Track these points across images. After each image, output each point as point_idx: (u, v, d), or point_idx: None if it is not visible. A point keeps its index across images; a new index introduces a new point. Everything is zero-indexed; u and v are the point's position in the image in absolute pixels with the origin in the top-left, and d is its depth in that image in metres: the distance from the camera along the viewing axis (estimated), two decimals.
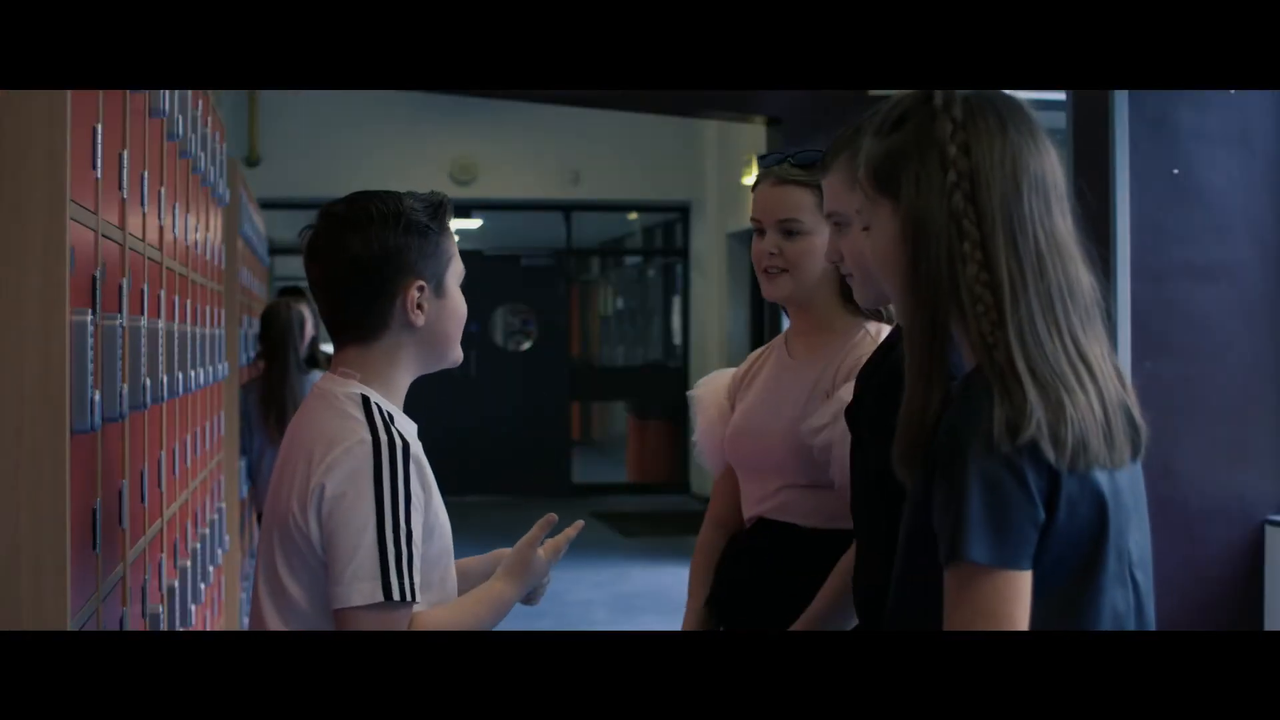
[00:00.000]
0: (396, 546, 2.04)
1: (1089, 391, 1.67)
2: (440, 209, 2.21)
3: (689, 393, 2.97)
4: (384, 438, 2.07)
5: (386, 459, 2.06)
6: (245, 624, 5.70)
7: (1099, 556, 1.72)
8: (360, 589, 2.03)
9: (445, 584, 2.20)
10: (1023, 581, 1.67)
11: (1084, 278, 1.74)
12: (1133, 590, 1.80)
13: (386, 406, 2.15)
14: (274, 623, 2.10)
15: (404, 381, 2.22)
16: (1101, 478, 1.68)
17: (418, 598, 2.06)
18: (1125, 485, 1.73)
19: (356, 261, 2.15)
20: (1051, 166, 1.76)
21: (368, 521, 2.03)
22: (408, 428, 2.17)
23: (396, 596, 2.03)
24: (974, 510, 1.63)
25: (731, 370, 2.94)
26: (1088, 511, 1.68)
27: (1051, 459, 1.63)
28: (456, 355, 2.25)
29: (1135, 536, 1.78)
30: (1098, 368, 1.70)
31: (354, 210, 2.17)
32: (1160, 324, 5.14)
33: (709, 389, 2.92)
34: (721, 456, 2.84)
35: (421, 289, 2.16)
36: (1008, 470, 1.63)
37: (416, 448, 2.14)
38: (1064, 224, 1.74)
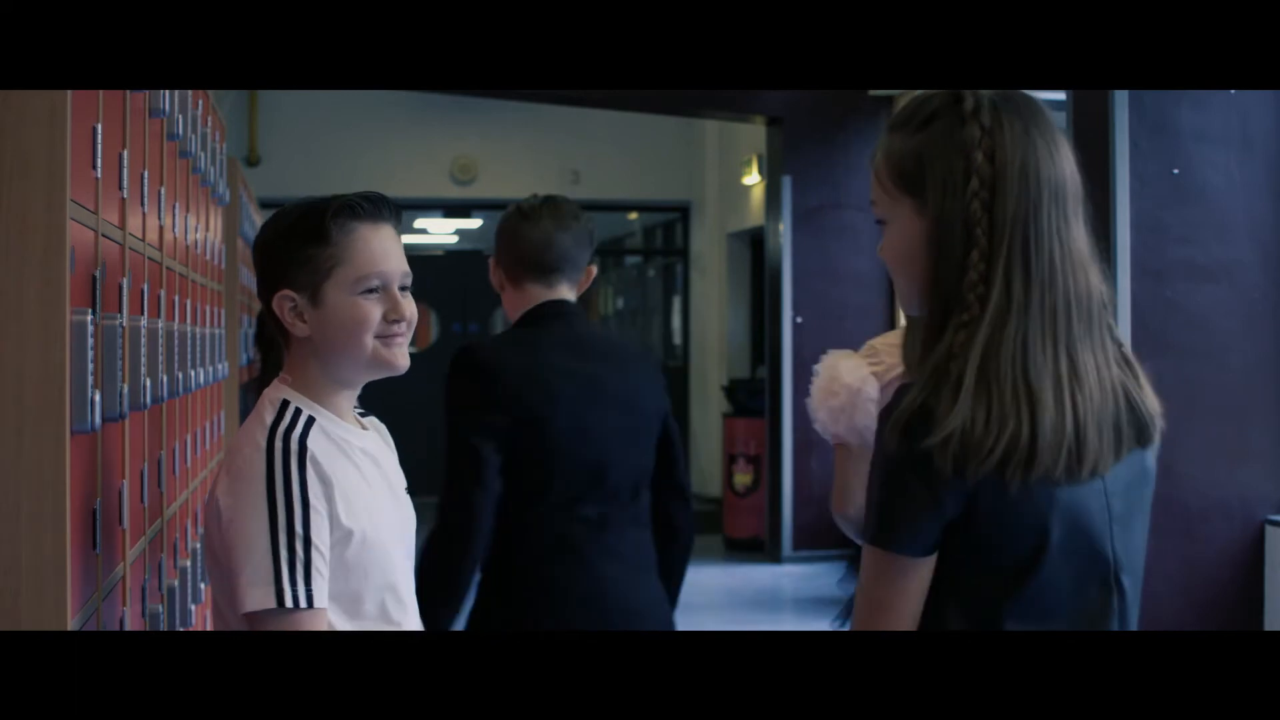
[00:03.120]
0: (290, 551, 1.98)
1: (1065, 407, 1.69)
2: (341, 212, 2.12)
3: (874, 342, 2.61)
4: (278, 444, 2.03)
5: (280, 464, 2.01)
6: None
7: (1034, 565, 1.73)
8: (254, 595, 1.99)
9: (380, 589, 2.13)
10: (901, 566, 1.72)
11: (1095, 285, 1.77)
12: (1118, 595, 1.81)
13: (309, 410, 2.11)
14: (216, 628, 2.09)
15: (329, 386, 2.16)
16: (1055, 492, 1.70)
17: (315, 603, 2.00)
18: (1095, 492, 1.75)
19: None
20: (1071, 172, 1.77)
21: (260, 527, 1.99)
22: (334, 431, 2.12)
23: (289, 603, 1.98)
24: (873, 495, 1.73)
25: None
26: (1022, 520, 1.70)
27: (952, 468, 1.65)
28: (374, 361, 2.14)
29: (1124, 541, 1.79)
30: (1089, 378, 1.73)
31: (266, 221, 2.20)
32: (1160, 324, 5.14)
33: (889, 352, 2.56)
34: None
35: (291, 300, 2.12)
36: (907, 462, 1.68)
37: (336, 449, 2.10)
38: (1080, 233, 1.75)
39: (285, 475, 2.01)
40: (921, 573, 1.73)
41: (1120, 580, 1.81)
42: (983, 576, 1.74)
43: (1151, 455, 1.83)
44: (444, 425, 3.00)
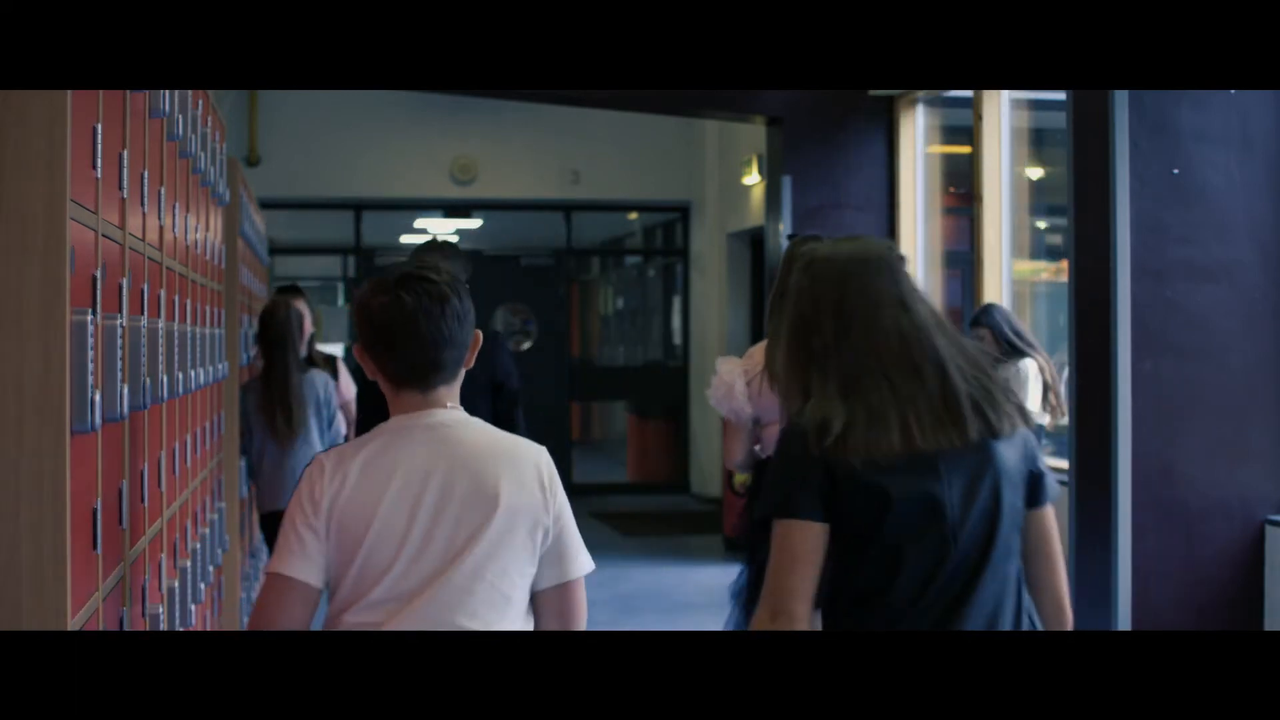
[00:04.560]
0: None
1: (890, 408, 2.33)
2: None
3: None
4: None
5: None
6: (245, 624, 5.70)
7: (881, 519, 2.30)
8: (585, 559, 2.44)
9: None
10: (792, 527, 2.31)
11: (902, 332, 2.39)
12: (954, 546, 2.31)
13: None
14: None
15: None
16: (896, 467, 2.30)
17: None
18: (930, 469, 2.32)
19: None
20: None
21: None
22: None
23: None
24: (774, 482, 2.38)
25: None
26: (866, 485, 2.29)
27: (820, 447, 2.32)
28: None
29: (964, 506, 2.32)
30: (906, 391, 2.35)
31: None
32: (1160, 324, 5.13)
33: None
34: None
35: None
36: (794, 444, 2.35)
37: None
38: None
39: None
40: (811, 534, 2.30)
41: (957, 536, 2.31)
42: (850, 538, 2.32)
43: (1009, 444, 2.38)
44: None
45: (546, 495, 2.34)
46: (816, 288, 2.41)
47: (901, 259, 2.47)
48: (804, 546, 2.29)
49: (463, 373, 2.40)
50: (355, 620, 2.28)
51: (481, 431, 2.37)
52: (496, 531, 2.29)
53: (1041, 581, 2.44)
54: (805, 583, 2.30)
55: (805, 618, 2.31)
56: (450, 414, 2.36)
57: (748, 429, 4.15)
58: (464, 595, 2.27)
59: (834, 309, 2.39)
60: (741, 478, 4.63)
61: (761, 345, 4.10)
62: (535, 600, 2.36)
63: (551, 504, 2.34)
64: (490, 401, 4.55)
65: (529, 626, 2.35)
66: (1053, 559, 2.47)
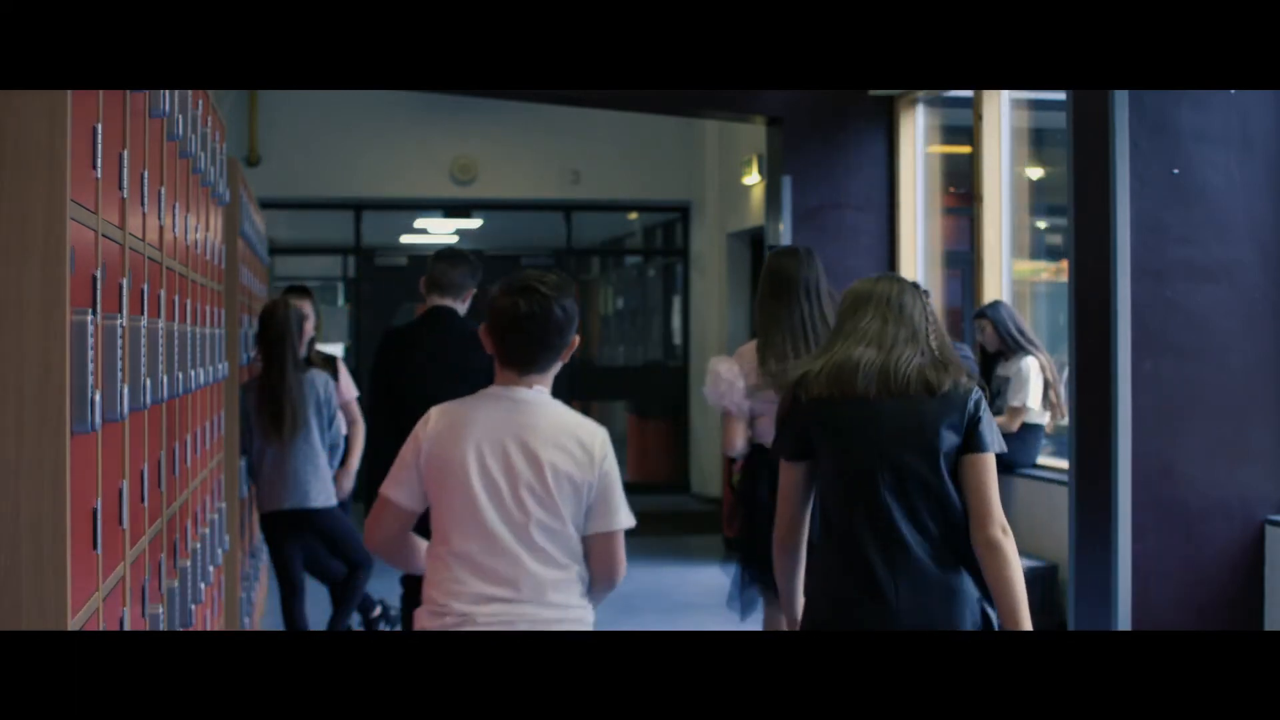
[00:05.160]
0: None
1: (823, 367, 3.19)
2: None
3: None
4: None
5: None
6: (246, 624, 5.71)
7: (818, 449, 3.18)
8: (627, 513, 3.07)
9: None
10: (785, 468, 3.27)
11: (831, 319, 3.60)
12: (883, 474, 3.09)
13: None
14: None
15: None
16: (828, 406, 3.16)
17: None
18: (868, 413, 3.13)
19: None
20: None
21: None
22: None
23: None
24: (779, 435, 3.30)
25: None
26: (827, 425, 3.16)
27: (799, 395, 3.21)
28: None
29: (894, 445, 3.09)
30: (862, 359, 3.17)
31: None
32: (1160, 324, 5.14)
33: None
34: None
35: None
36: (790, 399, 3.25)
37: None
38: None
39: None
40: (799, 470, 3.24)
41: (885, 472, 3.08)
42: (819, 465, 3.20)
43: (942, 400, 3.11)
44: None
45: (590, 461, 2.92)
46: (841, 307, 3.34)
47: (918, 291, 3.27)
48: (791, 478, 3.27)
49: (558, 365, 3.01)
50: (452, 551, 2.90)
51: (549, 408, 2.99)
52: (542, 485, 2.89)
53: (977, 517, 3.04)
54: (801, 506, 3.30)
55: (802, 531, 3.29)
56: (531, 392, 2.98)
57: (745, 420, 4.59)
58: (522, 530, 2.88)
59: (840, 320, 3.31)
60: (738, 477, 4.80)
61: (750, 345, 4.61)
62: (585, 543, 2.95)
63: (596, 469, 2.92)
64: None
65: (579, 563, 2.94)
66: (980, 492, 3.06)
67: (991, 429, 3.13)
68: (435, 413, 3.00)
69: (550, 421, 2.95)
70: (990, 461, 3.11)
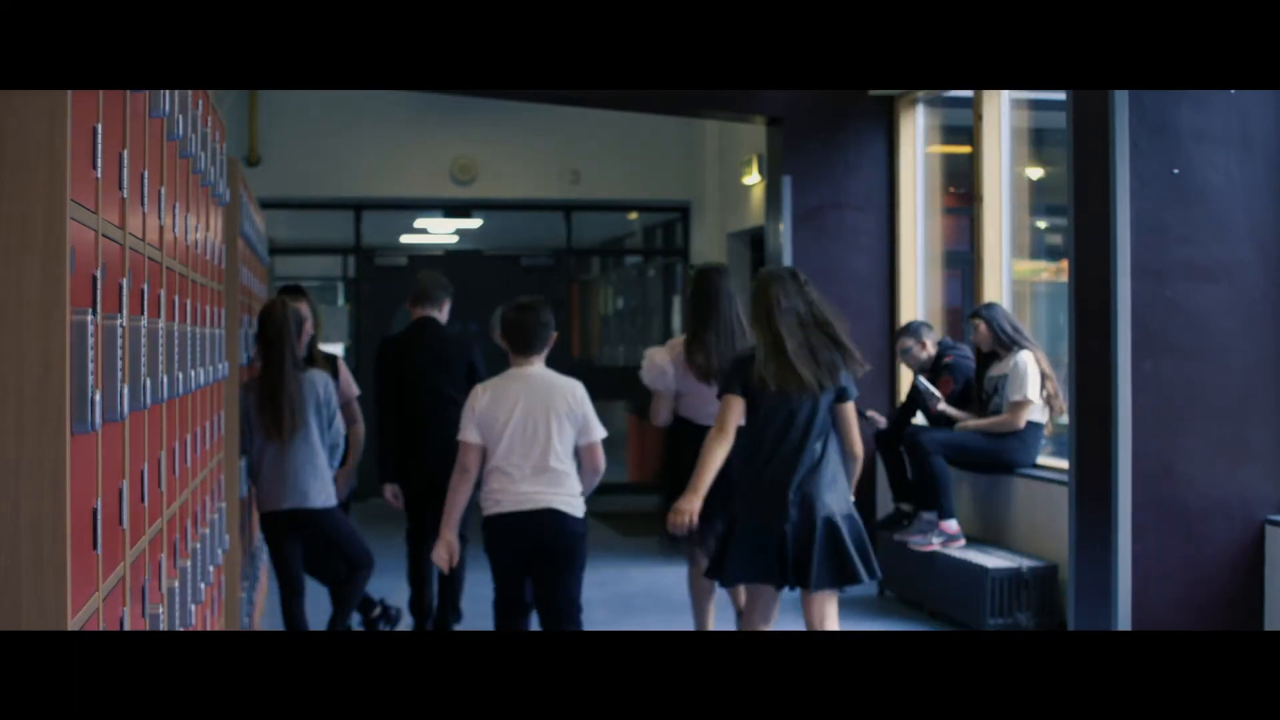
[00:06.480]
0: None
1: (770, 366, 4.76)
2: None
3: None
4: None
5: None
6: (246, 624, 5.71)
7: (764, 412, 4.78)
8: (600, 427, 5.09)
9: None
10: (729, 399, 4.82)
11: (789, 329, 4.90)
12: (806, 437, 4.76)
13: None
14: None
15: None
16: (776, 393, 4.76)
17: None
18: (805, 399, 4.77)
19: None
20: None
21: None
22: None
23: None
24: (721, 382, 5.04)
25: None
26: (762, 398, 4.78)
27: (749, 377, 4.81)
28: None
29: (816, 418, 4.73)
30: (796, 357, 4.77)
31: None
32: (1160, 324, 5.14)
33: None
34: None
35: None
36: (731, 368, 4.96)
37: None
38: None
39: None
40: (738, 405, 4.80)
41: (806, 436, 4.72)
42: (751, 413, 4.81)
43: (834, 392, 4.75)
44: None
45: (576, 402, 4.88)
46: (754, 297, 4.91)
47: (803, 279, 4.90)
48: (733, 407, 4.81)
49: (545, 351, 4.92)
50: (498, 467, 4.84)
51: (547, 375, 4.92)
52: (552, 422, 4.83)
53: (847, 443, 4.80)
54: (735, 418, 4.80)
55: (731, 434, 4.76)
56: (533, 369, 4.93)
57: (671, 397, 5.83)
58: (545, 451, 4.81)
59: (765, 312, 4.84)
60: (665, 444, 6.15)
61: (679, 339, 5.86)
62: (578, 451, 4.89)
63: (578, 408, 4.88)
64: (465, 388, 5.88)
65: (573, 464, 4.88)
66: (846, 425, 4.80)
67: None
68: (479, 389, 4.93)
69: (549, 383, 4.90)
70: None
